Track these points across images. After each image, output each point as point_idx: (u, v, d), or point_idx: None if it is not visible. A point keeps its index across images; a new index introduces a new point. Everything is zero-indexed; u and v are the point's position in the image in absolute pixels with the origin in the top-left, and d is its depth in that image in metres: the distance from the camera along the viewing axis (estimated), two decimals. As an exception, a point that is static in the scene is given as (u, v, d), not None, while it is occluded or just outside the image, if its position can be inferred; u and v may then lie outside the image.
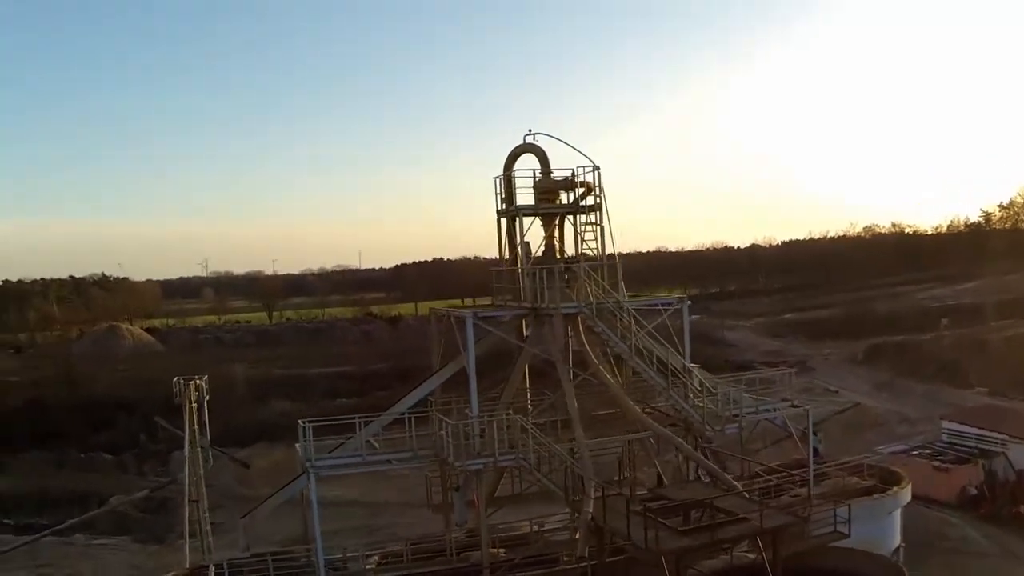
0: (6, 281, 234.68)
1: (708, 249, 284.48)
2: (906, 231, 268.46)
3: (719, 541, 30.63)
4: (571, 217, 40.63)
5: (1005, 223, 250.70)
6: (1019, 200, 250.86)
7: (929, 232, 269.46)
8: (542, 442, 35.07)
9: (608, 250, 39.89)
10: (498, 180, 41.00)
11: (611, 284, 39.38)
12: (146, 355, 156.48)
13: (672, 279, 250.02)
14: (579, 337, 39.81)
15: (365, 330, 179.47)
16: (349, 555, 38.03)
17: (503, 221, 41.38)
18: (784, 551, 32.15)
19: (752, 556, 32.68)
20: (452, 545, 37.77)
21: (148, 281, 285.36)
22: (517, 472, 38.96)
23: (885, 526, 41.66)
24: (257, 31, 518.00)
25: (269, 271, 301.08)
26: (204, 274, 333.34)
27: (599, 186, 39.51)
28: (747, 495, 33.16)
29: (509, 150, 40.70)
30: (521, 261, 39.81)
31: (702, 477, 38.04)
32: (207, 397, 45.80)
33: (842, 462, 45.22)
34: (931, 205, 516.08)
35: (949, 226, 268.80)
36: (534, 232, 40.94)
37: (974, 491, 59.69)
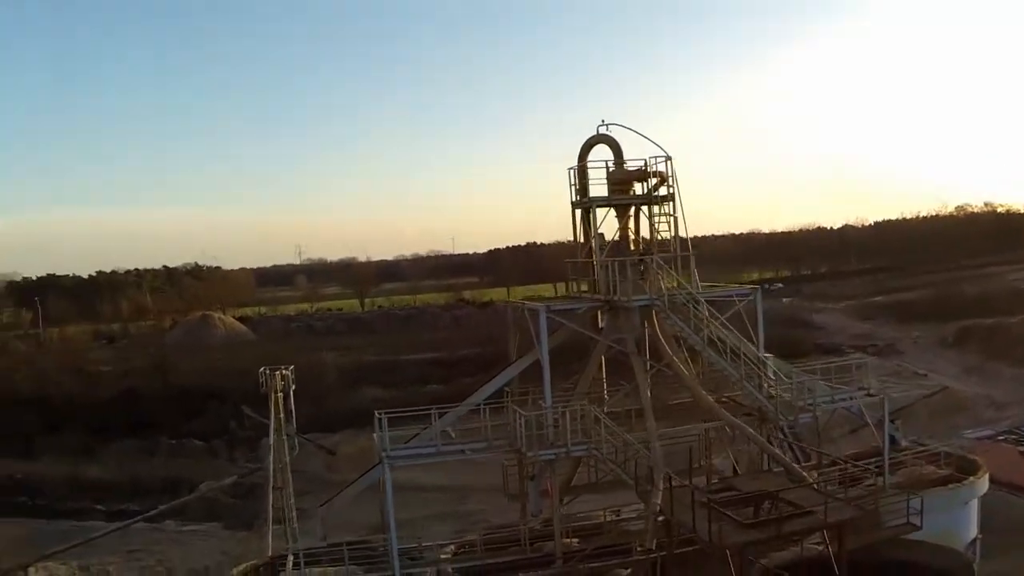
0: (99, 272, 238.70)
1: (800, 231, 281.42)
2: (999, 210, 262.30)
3: (783, 535, 30.48)
4: (645, 208, 40.76)
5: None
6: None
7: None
8: (614, 432, 35.29)
9: (683, 239, 39.97)
10: (572, 171, 41.23)
11: (686, 274, 39.56)
12: (237, 344, 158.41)
13: (764, 261, 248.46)
14: (654, 328, 39.94)
15: (456, 316, 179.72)
16: (424, 544, 38.47)
17: (577, 212, 41.58)
18: (853, 543, 32.06)
19: (821, 547, 32.57)
20: (526, 535, 38.07)
21: (242, 270, 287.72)
22: (593, 461, 39.16)
23: (961, 517, 40.65)
24: (351, 10, 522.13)
25: (363, 258, 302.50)
26: (298, 261, 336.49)
27: (672, 176, 39.59)
28: (816, 487, 32.92)
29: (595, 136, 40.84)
30: (596, 253, 39.97)
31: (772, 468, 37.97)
32: (293, 386, 46.64)
33: (919, 451, 44.31)
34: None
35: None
36: (609, 223, 41.29)
37: (1062, 478, 58.34)
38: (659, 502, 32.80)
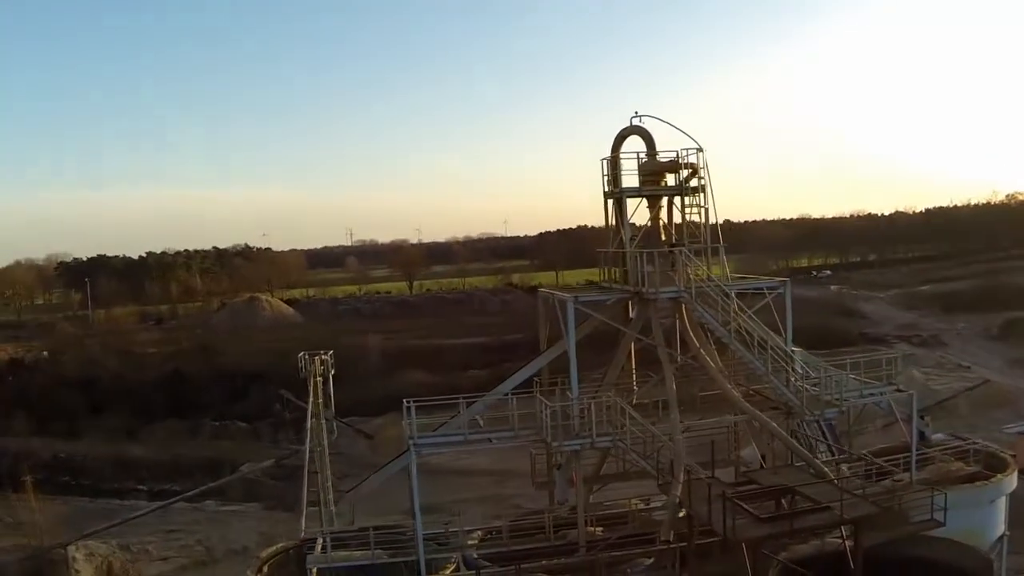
0: (149, 253, 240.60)
1: (851, 216, 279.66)
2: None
3: (797, 531, 30.64)
4: (678, 200, 40.83)
5: None
6: None
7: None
8: (638, 424, 35.50)
9: (713, 229, 39.90)
10: (605, 162, 41.26)
11: (717, 265, 39.61)
12: (284, 326, 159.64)
13: (814, 247, 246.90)
14: (683, 320, 40.04)
15: (504, 300, 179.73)
16: (451, 530, 38.84)
17: (609, 202, 41.67)
18: (875, 539, 32.11)
19: (841, 542, 32.61)
20: (551, 523, 38.36)
21: (292, 251, 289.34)
22: (620, 451, 39.33)
23: (987, 514, 40.04)
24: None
25: (414, 240, 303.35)
26: (349, 243, 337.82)
27: (704, 167, 39.55)
28: (836, 482, 32.90)
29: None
30: (626, 243, 40.11)
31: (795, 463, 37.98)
32: (332, 371, 47.04)
33: (947, 446, 44.12)
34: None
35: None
36: (642, 215, 41.34)
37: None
38: (679, 494, 32.97)
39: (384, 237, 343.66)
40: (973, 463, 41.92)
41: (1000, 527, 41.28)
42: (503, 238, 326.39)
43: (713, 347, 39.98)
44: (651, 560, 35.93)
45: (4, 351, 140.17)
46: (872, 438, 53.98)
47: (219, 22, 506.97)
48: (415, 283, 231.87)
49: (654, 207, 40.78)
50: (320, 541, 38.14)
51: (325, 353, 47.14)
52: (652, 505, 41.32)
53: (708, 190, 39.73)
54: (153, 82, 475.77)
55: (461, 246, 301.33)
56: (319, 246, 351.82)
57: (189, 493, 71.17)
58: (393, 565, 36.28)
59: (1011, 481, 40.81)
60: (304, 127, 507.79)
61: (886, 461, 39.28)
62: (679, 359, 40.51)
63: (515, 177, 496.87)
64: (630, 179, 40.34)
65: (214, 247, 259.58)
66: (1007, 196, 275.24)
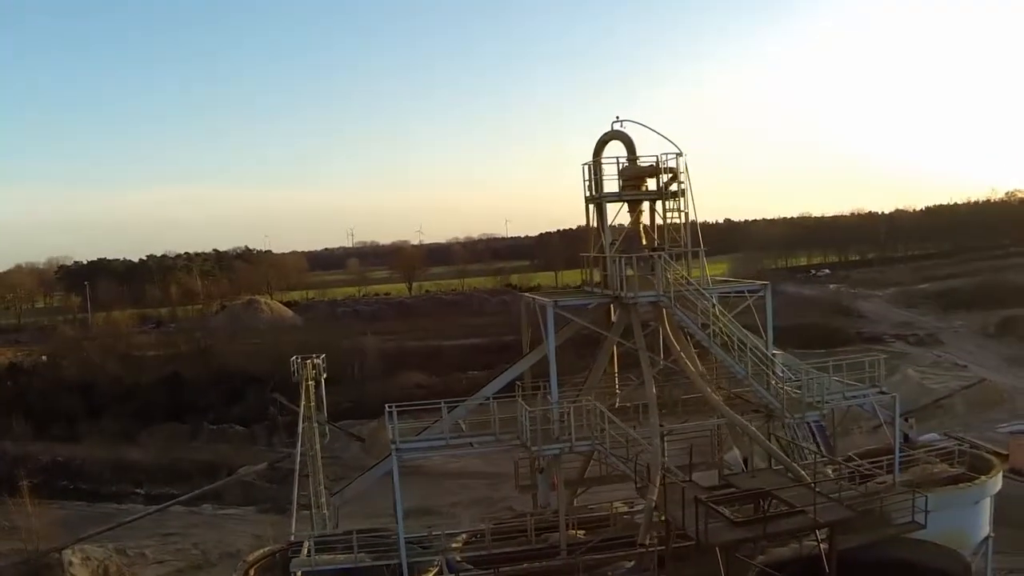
0: (150, 256, 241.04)
1: (851, 215, 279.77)
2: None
3: (771, 535, 30.70)
4: (659, 204, 40.96)
5: None
6: None
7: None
8: (617, 428, 35.65)
9: (694, 232, 40.13)
10: (586, 167, 41.45)
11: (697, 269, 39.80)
12: (282, 329, 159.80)
13: (813, 246, 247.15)
14: (664, 324, 40.21)
15: (503, 300, 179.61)
16: (435, 533, 39.06)
17: (591, 207, 41.87)
18: (856, 541, 32.36)
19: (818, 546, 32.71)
20: (532, 526, 38.53)
21: (293, 253, 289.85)
22: (601, 455, 39.50)
23: (971, 516, 39.88)
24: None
25: (415, 241, 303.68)
26: (350, 244, 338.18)
27: (684, 172, 39.69)
28: (814, 486, 32.96)
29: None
30: (606, 248, 40.29)
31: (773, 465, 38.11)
32: (324, 375, 47.26)
33: (932, 448, 44.17)
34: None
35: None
36: (625, 218, 41.53)
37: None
38: (655, 498, 33.15)
39: (386, 238, 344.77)
40: (958, 464, 41.86)
41: (985, 528, 41.09)
42: (504, 239, 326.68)
43: (694, 351, 40.13)
44: (632, 563, 36.10)
45: (3, 355, 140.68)
46: (860, 439, 53.99)
47: (220, 23, 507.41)
48: (414, 284, 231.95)
49: (635, 211, 40.97)
50: (307, 544, 38.35)
51: (317, 357, 47.33)
52: (635, 508, 41.32)
53: (688, 194, 39.95)
54: (154, 84, 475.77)
55: (461, 247, 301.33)
56: (320, 248, 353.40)
57: (183, 497, 71.24)
58: (376, 568, 36.40)
59: (996, 482, 40.70)
60: (307, 128, 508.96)
61: (871, 463, 39.38)
62: (661, 363, 40.65)
63: (518, 177, 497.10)
64: (612, 184, 40.55)
65: (214, 250, 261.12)
66: (1007, 194, 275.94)
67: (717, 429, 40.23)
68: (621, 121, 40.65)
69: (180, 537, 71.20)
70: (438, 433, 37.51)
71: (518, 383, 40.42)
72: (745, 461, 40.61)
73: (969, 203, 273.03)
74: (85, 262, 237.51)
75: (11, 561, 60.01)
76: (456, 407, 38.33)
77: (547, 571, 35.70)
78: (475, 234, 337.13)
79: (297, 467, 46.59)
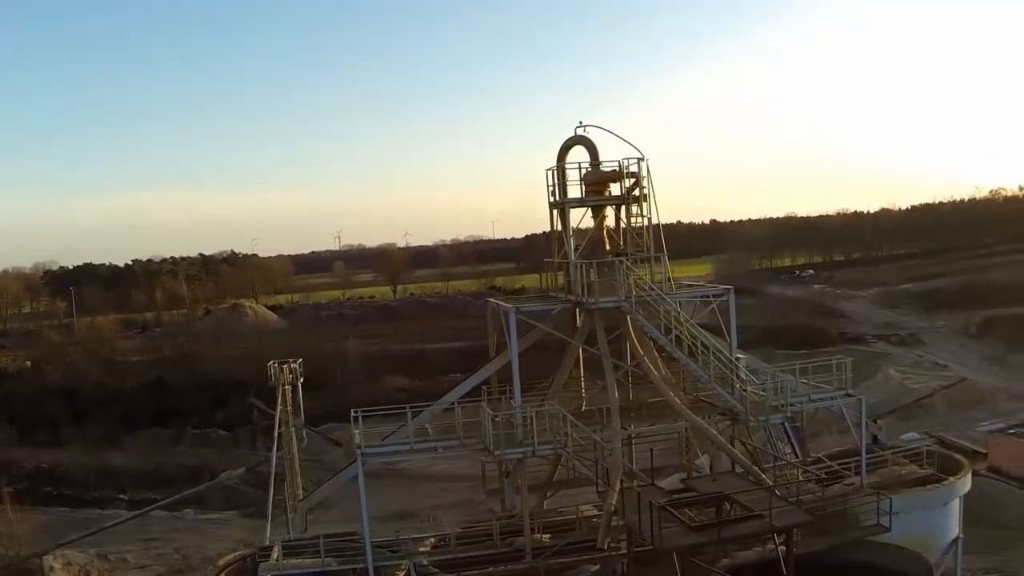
0: (135, 260, 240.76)
1: (837, 215, 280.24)
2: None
3: (727, 539, 30.86)
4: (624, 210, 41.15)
5: None
6: None
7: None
8: (579, 432, 35.91)
9: (657, 237, 40.18)
10: (550, 172, 41.60)
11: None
12: (266, 333, 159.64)
13: (799, 245, 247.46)
14: (628, 328, 40.35)
15: (488, 303, 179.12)
16: (402, 537, 39.25)
17: (555, 212, 42.03)
18: (819, 545, 32.63)
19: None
20: (497, 530, 38.78)
21: (279, 256, 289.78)
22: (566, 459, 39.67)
23: (939, 517, 39.95)
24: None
25: (402, 243, 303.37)
26: (337, 247, 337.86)
27: (647, 176, 39.86)
28: (773, 489, 32.95)
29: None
30: (569, 253, 40.47)
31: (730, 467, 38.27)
32: (301, 379, 47.33)
33: (902, 449, 44.15)
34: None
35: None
36: (590, 224, 41.72)
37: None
38: (614, 503, 33.32)
39: (373, 241, 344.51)
40: (927, 466, 41.73)
41: (954, 529, 41.26)
42: (491, 241, 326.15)
43: (657, 355, 40.29)
44: (597, 567, 36.28)
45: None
46: (831, 441, 54.15)
47: (211, 28, 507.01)
48: (399, 287, 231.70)
49: (598, 216, 41.15)
50: (277, 549, 38.51)
51: (294, 361, 47.45)
52: (602, 512, 41.53)
53: (651, 199, 40.11)
54: (142, 88, 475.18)
55: (448, 249, 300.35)
56: (308, 251, 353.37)
57: (164, 501, 71.45)
58: (343, 572, 36.56)
59: (964, 483, 40.70)
60: (302, 130, 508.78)
61: (840, 464, 39.65)
62: (624, 367, 40.78)
63: (506, 178, 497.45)
64: (576, 189, 40.79)
65: (200, 254, 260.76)
66: (991, 192, 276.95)
67: (685, 432, 40.46)
68: (584, 126, 40.85)
69: (162, 542, 71.09)
70: (403, 438, 37.70)
71: (484, 387, 40.63)
72: (711, 464, 40.89)
73: (953, 202, 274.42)
74: (71, 267, 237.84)
75: (-10, 566, 60.02)
76: (421, 412, 38.39)
77: (512, 574, 35.89)
78: (462, 236, 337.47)
79: (272, 471, 46.58)
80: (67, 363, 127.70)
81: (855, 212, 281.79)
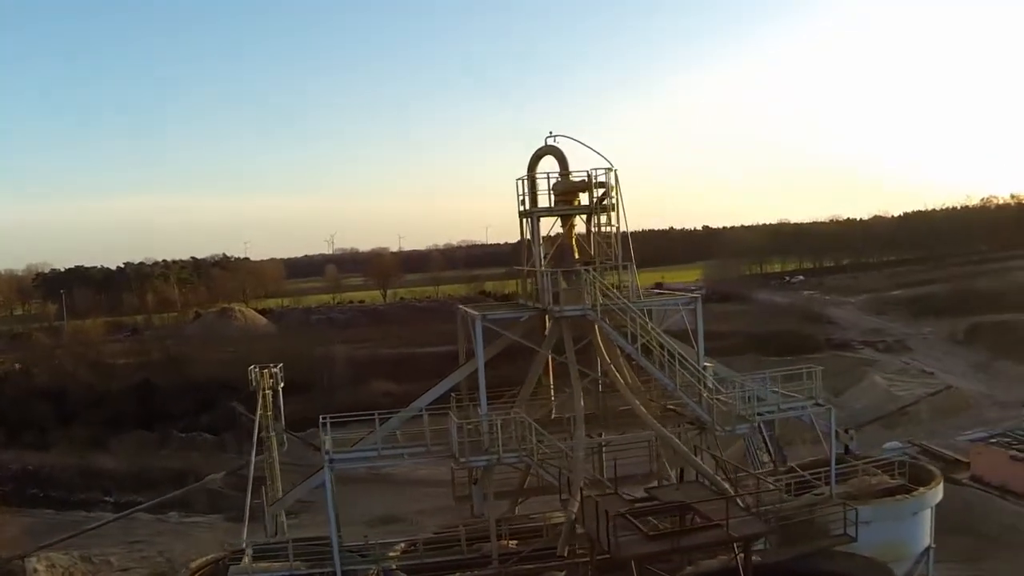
0: (127, 263, 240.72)
1: (829, 221, 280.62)
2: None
3: (683, 548, 31.01)
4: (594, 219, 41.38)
5: None
6: None
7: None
8: (544, 440, 36.15)
9: (625, 246, 40.56)
10: (520, 181, 41.96)
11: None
12: (255, 336, 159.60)
13: (790, 252, 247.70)
14: (595, 337, 40.50)
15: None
16: (371, 543, 39.43)
17: (526, 221, 42.40)
18: (787, 554, 32.90)
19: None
20: (464, 536, 38.99)
21: (271, 260, 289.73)
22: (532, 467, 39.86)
23: (909, 527, 40.07)
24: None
25: (395, 247, 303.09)
26: (329, 251, 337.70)
27: (615, 186, 40.20)
28: (740, 501, 32.94)
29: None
30: (537, 262, 40.71)
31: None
32: (281, 384, 47.51)
33: (873, 460, 44.31)
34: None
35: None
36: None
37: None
38: (575, 511, 33.49)
39: (367, 245, 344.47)
40: (899, 476, 42.08)
41: (925, 540, 41.32)
42: (484, 245, 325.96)
43: (628, 364, 40.47)
44: (563, 574, 36.48)
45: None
46: (804, 450, 54.24)
47: (202, 31, 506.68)
48: (389, 292, 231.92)
49: (567, 225, 41.47)
50: (249, 552, 38.73)
51: (275, 366, 47.63)
52: (566, 520, 41.88)
53: (620, 208, 40.40)
54: (134, 92, 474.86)
55: (440, 254, 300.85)
56: (300, 255, 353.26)
57: (147, 504, 71.20)
58: (312, 576, 36.84)
59: (936, 494, 40.77)
60: (289, 134, 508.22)
61: (811, 474, 39.75)
62: (591, 375, 41.00)
63: (501, 183, 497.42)
64: (545, 199, 41.09)
65: (192, 257, 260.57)
66: (982, 199, 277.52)
67: (654, 440, 40.61)
68: (554, 136, 41.17)
69: (146, 545, 71.21)
70: (372, 444, 37.92)
71: (453, 394, 40.88)
72: (682, 473, 41.08)
73: (945, 209, 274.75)
74: (63, 269, 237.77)
75: (-28, 569, 60.00)
76: (390, 418, 38.60)
77: (478, 580, 36.15)
78: (455, 240, 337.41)
79: (251, 475, 46.78)
80: (55, 365, 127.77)
81: (848, 219, 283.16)
